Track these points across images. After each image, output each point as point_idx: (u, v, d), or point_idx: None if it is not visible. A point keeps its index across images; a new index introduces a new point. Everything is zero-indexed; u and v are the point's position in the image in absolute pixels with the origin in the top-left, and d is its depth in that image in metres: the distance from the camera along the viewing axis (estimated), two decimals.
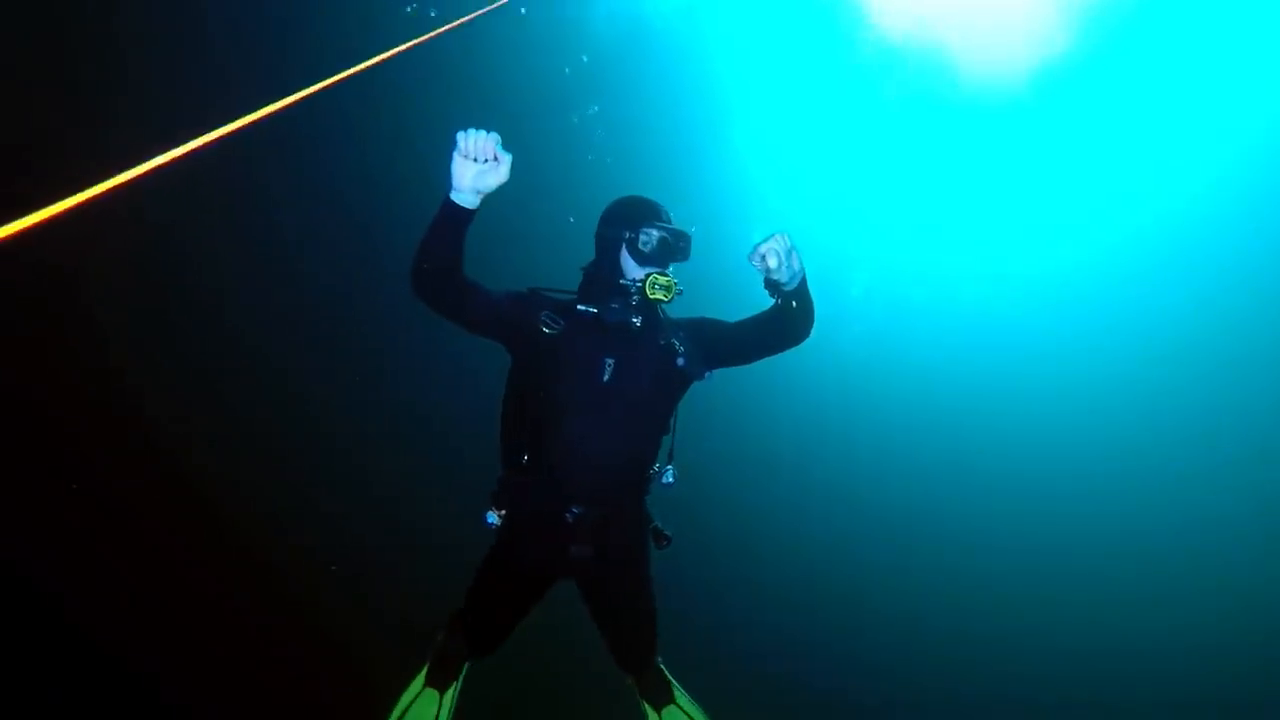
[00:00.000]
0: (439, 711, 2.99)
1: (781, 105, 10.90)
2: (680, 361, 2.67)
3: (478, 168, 2.29)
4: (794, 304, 2.58)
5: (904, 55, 10.52)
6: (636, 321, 2.62)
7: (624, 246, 2.67)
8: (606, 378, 2.62)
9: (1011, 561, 9.60)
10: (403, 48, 2.12)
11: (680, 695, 3.07)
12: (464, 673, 3.08)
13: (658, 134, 9.90)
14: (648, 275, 2.60)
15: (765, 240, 2.48)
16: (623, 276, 2.68)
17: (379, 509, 7.46)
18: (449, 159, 2.29)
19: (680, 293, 2.63)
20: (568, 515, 2.66)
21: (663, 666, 3.11)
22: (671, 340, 2.70)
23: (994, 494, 10.44)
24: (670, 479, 2.80)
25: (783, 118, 10.99)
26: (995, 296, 11.69)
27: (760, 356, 2.79)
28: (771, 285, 2.57)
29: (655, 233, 2.64)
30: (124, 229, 6.24)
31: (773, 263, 2.45)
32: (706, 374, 2.71)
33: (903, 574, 9.37)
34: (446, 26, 2.35)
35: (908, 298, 11.77)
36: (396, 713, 3.01)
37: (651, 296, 2.58)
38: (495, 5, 2.34)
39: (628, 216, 2.71)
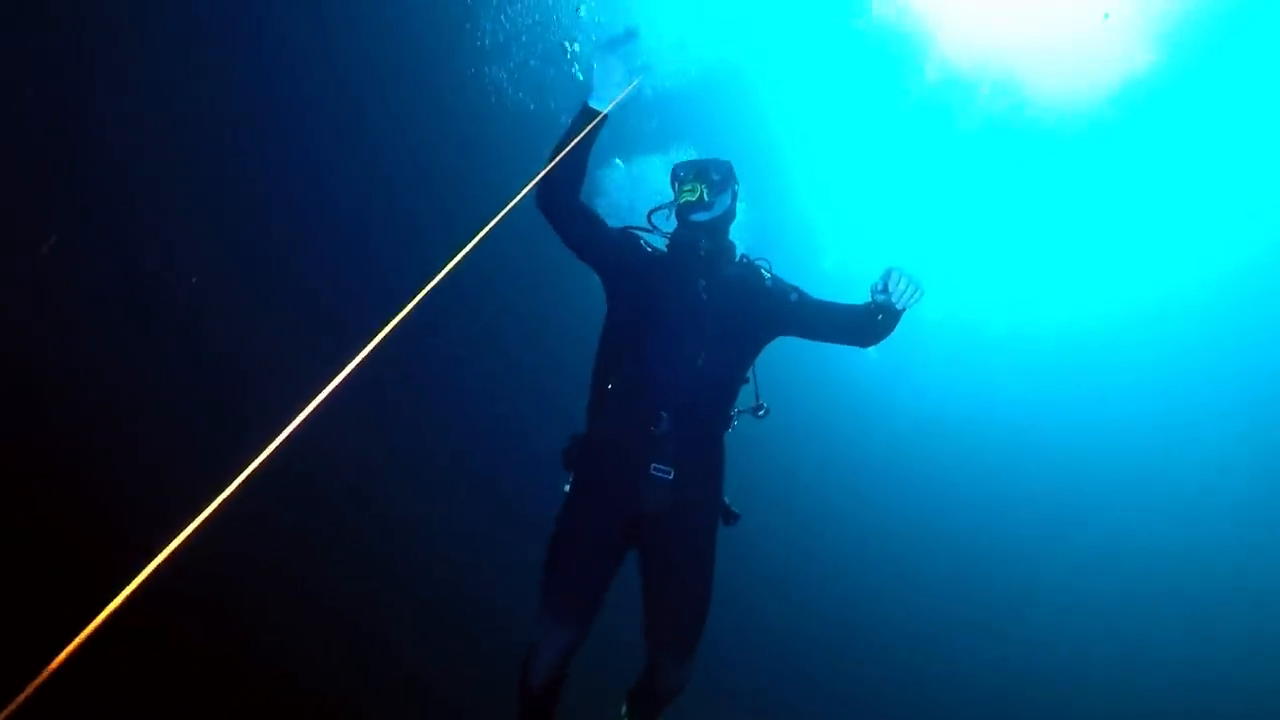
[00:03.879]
0: None
1: (848, 135, 10.88)
2: (768, 281, 2.91)
3: (623, 68, 2.60)
4: (880, 316, 2.75)
5: (973, 83, 10.40)
6: (700, 248, 2.84)
7: (675, 189, 2.94)
8: (701, 293, 2.81)
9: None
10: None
11: None
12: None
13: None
14: (679, 187, 2.88)
15: (900, 272, 2.65)
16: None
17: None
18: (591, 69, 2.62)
19: (707, 203, 2.83)
20: (653, 426, 2.69)
21: None
22: (760, 266, 2.96)
23: (1070, 527, 10.06)
24: (763, 413, 2.93)
25: (850, 147, 10.97)
26: (1076, 324, 11.31)
27: (825, 339, 2.94)
28: (877, 296, 2.72)
29: (691, 165, 2.92)
30: None
31: (894, 287, 2.63)
32: (795, 295, 2.90)
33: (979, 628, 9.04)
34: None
35: (986, 322, 11.51)
36: None
37: (680, 200, 2.85)
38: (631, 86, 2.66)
39: (679, 168, 2.98)
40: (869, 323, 2.78)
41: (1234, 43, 9.41)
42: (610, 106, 2.61)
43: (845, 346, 2.99)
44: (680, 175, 2.90)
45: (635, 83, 2.63)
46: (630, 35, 2.64)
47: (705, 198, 2.79)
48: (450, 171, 8.72)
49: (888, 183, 11.12)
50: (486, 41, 8.53)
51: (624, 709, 3.04)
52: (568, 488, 2.83)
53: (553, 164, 2.50)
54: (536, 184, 2.43)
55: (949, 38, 10.11)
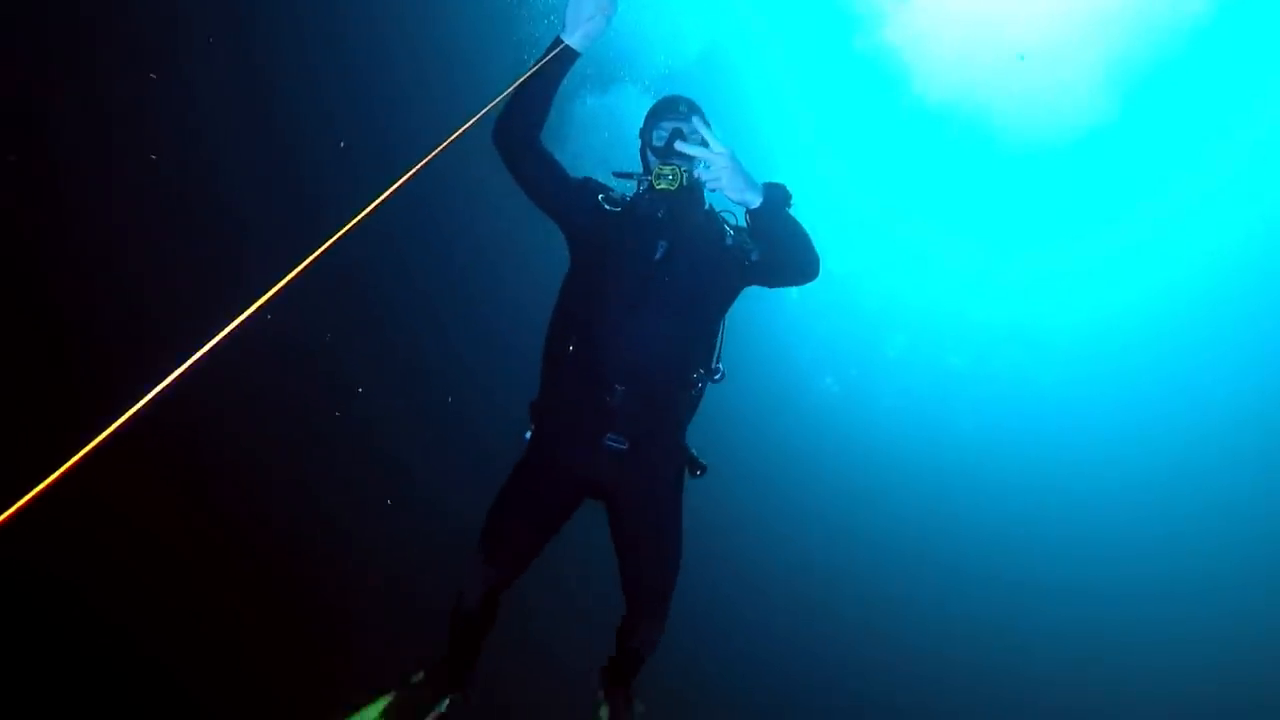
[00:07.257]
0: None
1: (826, 164, 10.99)
2: (729, 240, 2.69)
3: (598, 4, 2.45)
4: (765, 226, 2.53)
5: (948, 117, 10.60)
6: (659, 214, 2.64)
7: (645, 145, 2.74)
8: (658, 256, 2.62)
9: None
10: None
11: None
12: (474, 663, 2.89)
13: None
14: (657, 168, 2.61)
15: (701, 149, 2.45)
16: (648, 173, 2.71)
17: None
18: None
19: (686, 184, 2.58)
20: (608, 397, 2.60)
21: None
22: (724, 225, 2.74)
23: (1022, 568, 10.15)
24: (719, 377, 2.78)
25: (827, 176, 11.07)
26: (1035, 362, 11.50)
27: (774, 282, 2.79)
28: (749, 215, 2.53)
29: (663, 129, 2.68)
30: None
31: (711, 173, 2.41)
32: (755, 254, 2.66)
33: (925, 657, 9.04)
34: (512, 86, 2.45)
35: (945, 362, 11.63)
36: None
37: (658, 187, 2.58)
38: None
39: (648, 115, 2.77)
40: (766, 242, 2.60)
41: (1167, 92, 10.15)
42: (578, 40, 2.47)
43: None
44: (656, 145, 2.67)
45: (608, 15, 2.47)
46: None
47: (685, 183, 2.59)
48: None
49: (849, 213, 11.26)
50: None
51: (600, 696, 2.99)
52: (529, 436, 2.79)
53: (511, 88, 2.40)
54: (500, 107, 2.34)
55: (925, 74, 10.33)
